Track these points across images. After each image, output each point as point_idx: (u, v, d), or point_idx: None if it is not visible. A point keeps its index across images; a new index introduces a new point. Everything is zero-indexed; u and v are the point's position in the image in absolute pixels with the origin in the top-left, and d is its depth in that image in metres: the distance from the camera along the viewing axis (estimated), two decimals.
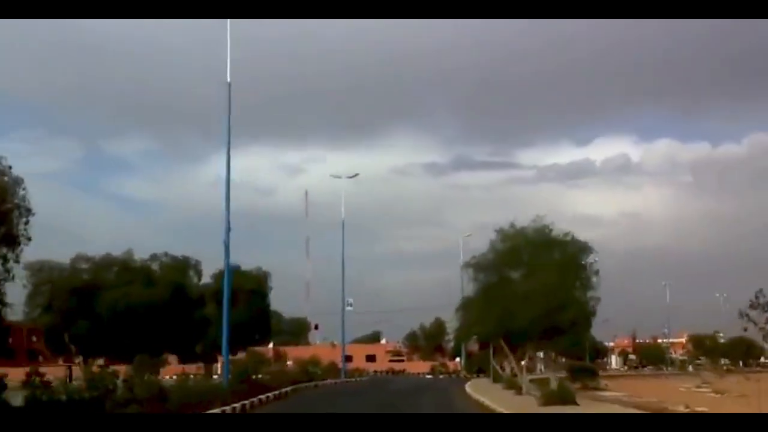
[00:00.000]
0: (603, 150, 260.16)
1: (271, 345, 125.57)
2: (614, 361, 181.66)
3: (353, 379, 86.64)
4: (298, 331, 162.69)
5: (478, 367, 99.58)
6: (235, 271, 79.86)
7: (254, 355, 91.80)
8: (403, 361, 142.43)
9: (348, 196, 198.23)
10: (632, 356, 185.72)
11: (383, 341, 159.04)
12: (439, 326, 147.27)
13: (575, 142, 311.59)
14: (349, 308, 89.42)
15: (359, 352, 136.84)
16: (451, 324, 64.84)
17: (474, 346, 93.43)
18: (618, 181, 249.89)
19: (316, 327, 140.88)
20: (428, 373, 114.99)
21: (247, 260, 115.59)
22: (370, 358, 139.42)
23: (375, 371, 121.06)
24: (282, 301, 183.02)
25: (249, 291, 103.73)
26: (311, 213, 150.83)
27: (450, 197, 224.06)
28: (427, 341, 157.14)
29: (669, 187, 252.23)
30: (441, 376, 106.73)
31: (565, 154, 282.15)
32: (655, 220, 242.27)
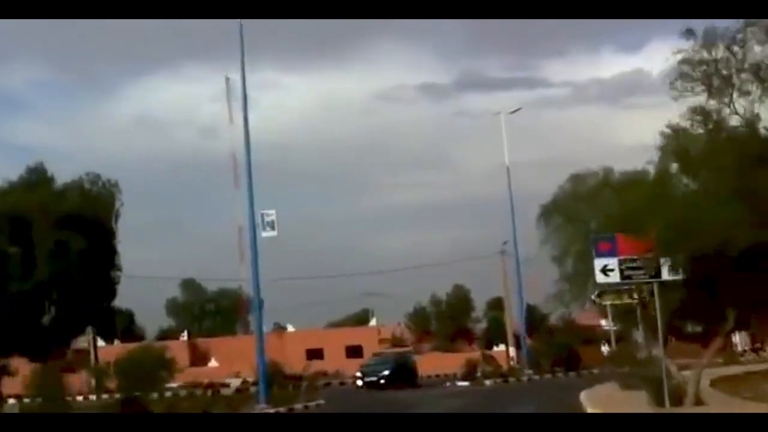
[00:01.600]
0: (660, 57, 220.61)
1: (185, 336, 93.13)
2: None
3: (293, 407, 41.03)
4: (228, 311, 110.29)
5: (555, 359, 70.11)
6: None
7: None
8: (408, 353, 77.90)
9: (316, 133, 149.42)
10: None
11: (373, 322, 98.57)
12: (461, 297, 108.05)
13: (623, 49, 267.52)
14: (268, 233, 42.24)
15: (336, 343, 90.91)
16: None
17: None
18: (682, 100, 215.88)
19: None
20: (463, 377, 64.83)
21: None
22: (354, 352, 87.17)
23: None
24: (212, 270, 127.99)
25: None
26: (262, 159, 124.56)
27: (456, 128, 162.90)
28: (442, 322, 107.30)
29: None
30: (489, 382, 61.34)
31: (611, 66, 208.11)
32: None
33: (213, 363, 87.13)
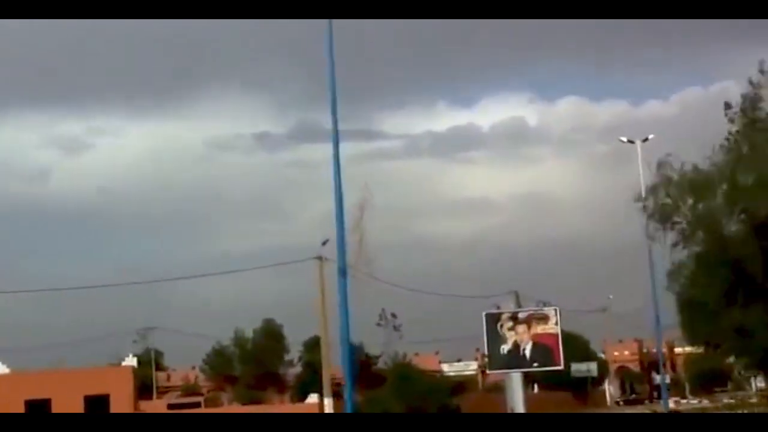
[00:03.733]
0: (492, 112, 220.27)
1: None
2: None
3: None
4: None
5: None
6: None
7: None
8: (198, 405, 64.43)
9: (150, 180, 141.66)
10: None
11: (130, 361, 67.25)
12: (272, 334, 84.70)
13: (456, 104, 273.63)
14: None
15: (71, 390, 58.14)
16: None
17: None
18: (513, 153, 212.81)
19: None
20: None
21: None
22: (97, 404, 56.76)
23: None
24: None
25: None
26: (101, 202, 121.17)
27: (290, 178, 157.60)
28: (247, 366, 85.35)
29: (576, 158, 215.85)
30: None
31: (444, 119, 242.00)
32: (565, 204, 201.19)
33: None
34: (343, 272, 21.24)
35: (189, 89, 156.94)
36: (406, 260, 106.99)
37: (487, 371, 61.94)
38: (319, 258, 48.55)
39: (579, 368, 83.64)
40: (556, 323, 35.86)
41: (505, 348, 34.86)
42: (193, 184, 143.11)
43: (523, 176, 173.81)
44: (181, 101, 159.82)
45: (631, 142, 51.12)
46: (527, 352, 34.91)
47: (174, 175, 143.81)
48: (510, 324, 35.12)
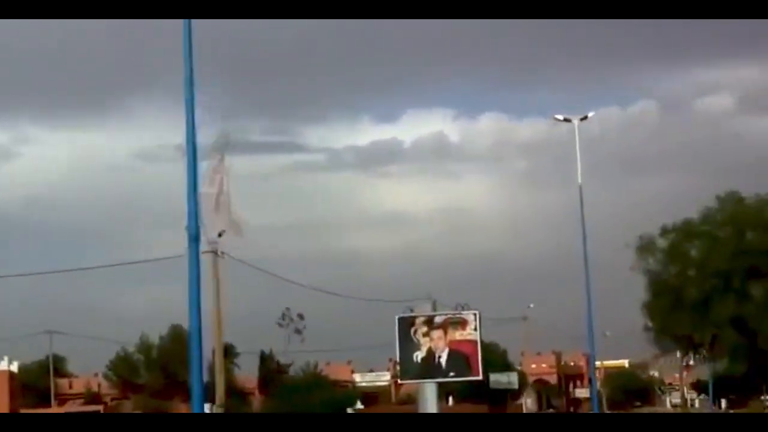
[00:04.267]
0: (414, 127, 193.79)
1: None
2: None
3: None
4: None
5: None
6: None
7: None
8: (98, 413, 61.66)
9: (74, 190, 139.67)
10: None
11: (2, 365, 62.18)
12: (179, 340, 74.15)
13: (379, 118, 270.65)
14: None
15: None
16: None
17: None
18: (434, 168, 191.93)
19: None
20: None
21: None
22: None
23: None
24: None
25: None
26: (26, 211, 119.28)
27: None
28: (153, 373, 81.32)
29: (497, 175, 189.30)
30: None
31: (367, 133, 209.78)
32: (485, 220, 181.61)
33: None
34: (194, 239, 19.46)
35: (114, 99, 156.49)
36: (325, 271, 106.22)
37: (399, 381, 55.39)
38: (214, 252, 42.29)
39: (499, 379, 77.14)
40: (476, 329, 32.53)
41: (418, 355, 31.36)
42: (117, 194, 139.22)
43: (444, 191, 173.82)
44: (106, 111, 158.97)
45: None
46: (443, 361, 31.54)
47: (98, 184, 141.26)
48: (425, 329, 31.68)
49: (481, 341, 33.50)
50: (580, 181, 41.83)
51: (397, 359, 33.94)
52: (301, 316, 72.18)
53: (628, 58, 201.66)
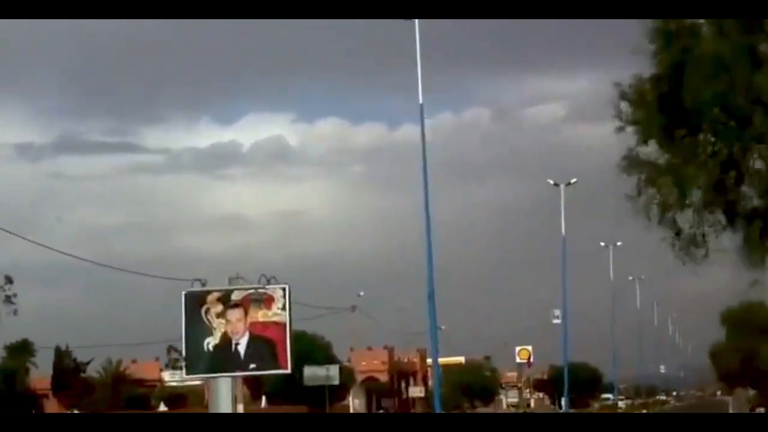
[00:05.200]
0: (254, 130, 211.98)
1: None
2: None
3: None
4: None
5: None
6: None
7: None
8: None
9: None
10: None
11: None
12: None
13: (218, 120, 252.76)
14: None
15: None
16: None
17: None
18: (272, 172, 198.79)
19: None
20: None
21: None
22: None
23: None
24: None
25: None
26: None
27: (52, 190, 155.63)
28: None
29: (335, 179, 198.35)
30: None
31: (206, 135, 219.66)
32: (321, 223, 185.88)
33: None
34: None
35: None
36: (158, 272, 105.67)
37: (185, 375, 43.56)
38: None
39: (316, 373, 61.84)
40: (284, 307, 24.84)
41: (210, 343, 23.81)
42: None
43: (282, 194, 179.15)
44: None
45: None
46: (241, 349, 24.18)
47: None
48: (219, 308, 23.93)
49: (298, 332, 26.19)
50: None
51: (183, 348, 24.68)
52: (9, 279, 58.41)
53: (462, 66, 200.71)
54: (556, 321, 61.62)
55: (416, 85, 36.38)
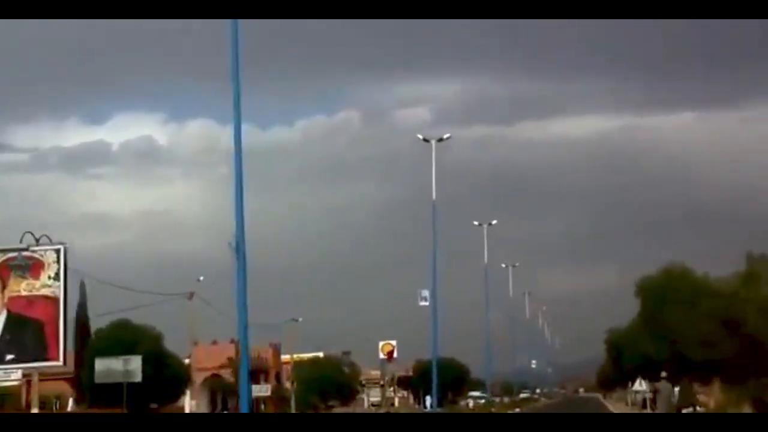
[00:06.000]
0: (123, 130, 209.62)
1: None
2: None
3: None
4: None
5: None
6: None
7: None
8: None
9: None
10: None
11: None
12: None
13: (87, 120, 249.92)
14: None
15: None
16: None
17: None
18: (142, 172, 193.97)
19: None
20: None
21: None
22: None
23: None
24: None
25: None
26: None
27: None
28: None
29: (204, 180, 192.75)
30: None
31: (75, 135, 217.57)
32: (188, 223, 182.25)
33: None
34: None
35: None
36: None
37: None
38: None
39: (109, 368, 50.34)
40: (57, 276, 19.05)
41: None
42: None
43: (150, 194, 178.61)
44: None
45: None
46: None
47: None
48: None
49: (67, 300, 20.38)
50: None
51: None
52: None
53: (335, 68, 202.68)
54: (423, 303, 54.15)
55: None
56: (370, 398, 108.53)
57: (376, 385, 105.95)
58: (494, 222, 75.03)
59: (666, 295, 46.29)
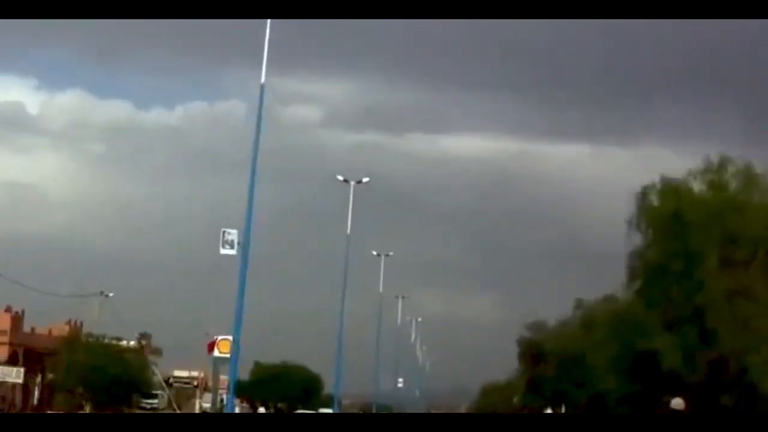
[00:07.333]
0: None
1: None
2: None
3: None
4: None
5: None
6: None
7: None
8: None
9: None
10: None
11: None
12: None
13: None
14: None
15: None
16: None
17: None
18: (7, 138, 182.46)
19: None
20: None
21: None
22: None
23: None
24: None
25: None
26: None
27: None
28: None
29: (74, 155, 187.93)
30: None
31: None
32: (52, 199, 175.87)
33: None
34: None
35: None
36: None
37: None
38: None
39: None
40: None
41: None
42: None
43: (12, 164, 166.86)
44: None
45: None
46: None
47: None
48: None
49: None
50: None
51: None
52: None
53: (215, 57, 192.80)
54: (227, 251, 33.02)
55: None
56: (203, 403, 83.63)
57: (188, 386, 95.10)
58: (391, 253, 74.84)
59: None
